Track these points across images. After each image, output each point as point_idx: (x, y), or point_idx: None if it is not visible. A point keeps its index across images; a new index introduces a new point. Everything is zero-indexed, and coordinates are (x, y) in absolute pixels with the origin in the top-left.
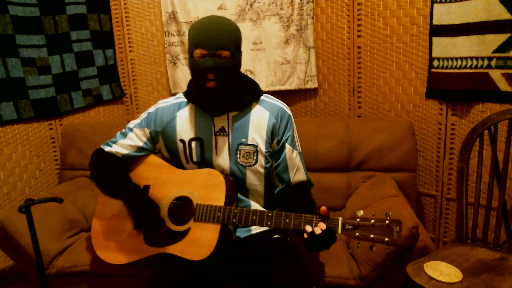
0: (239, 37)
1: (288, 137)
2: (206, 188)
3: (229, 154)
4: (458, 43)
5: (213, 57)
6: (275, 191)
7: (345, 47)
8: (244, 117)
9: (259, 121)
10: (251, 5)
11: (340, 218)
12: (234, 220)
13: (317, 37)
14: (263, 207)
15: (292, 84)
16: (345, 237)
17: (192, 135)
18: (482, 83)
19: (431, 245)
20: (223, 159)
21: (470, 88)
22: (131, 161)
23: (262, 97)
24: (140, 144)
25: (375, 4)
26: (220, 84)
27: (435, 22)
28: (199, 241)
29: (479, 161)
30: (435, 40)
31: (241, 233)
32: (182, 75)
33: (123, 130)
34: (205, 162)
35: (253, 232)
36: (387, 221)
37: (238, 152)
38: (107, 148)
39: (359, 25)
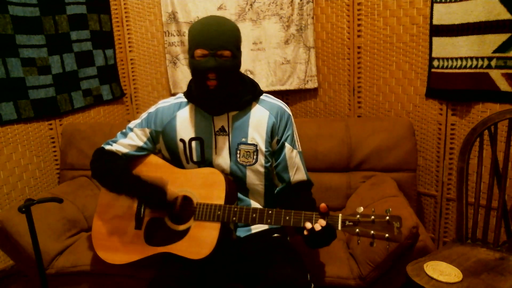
0: (239, 37)
1: (288, 136)
2: (206, 187)
3: (229, 153)
4: (458, 43)
5: (214, 57)
6: (275, 191)
7: (345, 47)
8: (244, 116)
9: (259, 120)
10: (251, 5)
11: (340, 214)
12: (234, 218)
13: (317, 37)
14: (263, 207)
15: (292, 84)
16: (345, 237)
17: (192, 135)
18: (482, 83)
19: (431, 245)
20: (223, 159)
21: (470, 88)
22: (131, 160)
23: (262, 97)
24: (140, 143)
25: (375, 4)
26: (220, 83)
27: (435, 22)
28: (200, 240)
29: (479, 161)
30: (435, 40)
31: (241, 232)
32: (182, 75)
33: (124, 130)
34: (205, 161)
35: (253, 231)
36: (387, 217)
37: (238, 152)
38: (107, 147)
39: (359, 25)
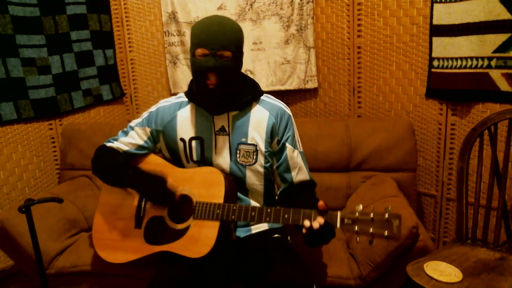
0: (241, 37)
1: (289, 137)
2: (206, 186)
3: (229, 153)
4: (458, 43)
5: (214, 57)
6: (278, 191)
7: (345, 47)
8: (244, 116)
9: (259, 120)
10: (251, 5)
11: (339, 212)
12: (233, 216)
13: (317, 37)
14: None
15: (292, 84)
16: (345, 237)
17: (192, 134)
18: (482, 83)
19: (431, 245)
20: (223, 159)
21: (470, 88)
22: (131, 159)
23: (262, 97)
24: (141, 142)
25: (375, 4)
26: (220, 83)
27: (435, 22)
28: (199, 239)
29: (479, 161)
30: (435, 40)
31: (241, 232)
32: (182, 75)
33: (125, 129)
34: (205, 161)
35: (253, 231)
36: (387, 215)
37: (238, 152)
38: (108, 144)
39: (359, 25)
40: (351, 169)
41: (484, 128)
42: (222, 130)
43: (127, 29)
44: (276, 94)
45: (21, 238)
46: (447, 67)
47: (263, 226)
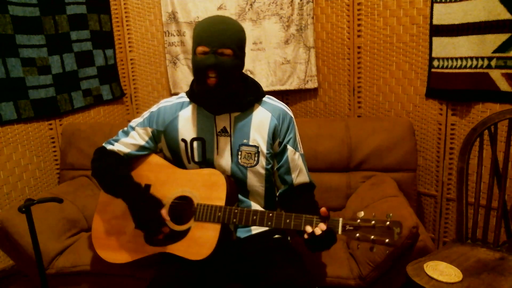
0: (243, 37)
1: (290, 139)
2: (207, 188)
3: (231, 154)
4: (458, 43)
5: (214, 54)
6: (278, 193)
7: (345, 47)
8: (246, 118)
9: (261, 122)
10: (251, 5)
11: (341, 219)
12: (234, 220)
13: (317, 37)
14: (264, 208)
15: (292, 84)
16: (345, 237)
17: (194, 135)
18: (482, 83)
19: (431, 245)
20: (225, 160)
21: (470, 88)
22: (132, 160)
23: (264, 99)
24: (142, 143)
25: (375, 4)
26: (220, 82)
27: (435, 22)
28: (200, 241)
29: (479, 161)
30: (435, 40)
31: (241, 233)
32: (182, 75)
33: (125, 129)
34: (206, 162)
35: (254, 232)
36: (388, 222)
37: (240, 153)
38: (109, 147)
39: (359, 25)
40: (351, 169)
41: (484, 128)
42: (224, 131)
43: (127, 29)
44: (276, 94)
45: (21, 238)
46: (447, 67)
47: (263, 227)
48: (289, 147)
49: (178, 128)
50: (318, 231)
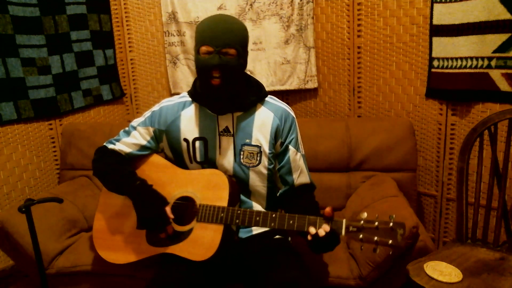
0: (246, 36)
1: (292, 139)
2: (209, 188)
3: (233, 154)
4: (458, 43)
5: (219, 54)
6: (278, 193)
7: (345, 47)
8: (248, 117)
9: (263, 122)
10: (251, 5)
11: (344, 220)
12: (237, 221)
13: (317, 37)
14: (265, 209)
15: (292, 84)
16: (345, 237)
17: (196, 135)
18: (482, 83)
19: (431, 245)
20: (227, 159)
21: (470, 88)
22: (134, 160)
23: (266, 99)
24: (144, 142)
25: (375, 4)
26: (224, 82)
27: (435, 22)
28: (202, 242)
29: (479, 161)
30: (435, 40)
31: (242, 233)
32: (182, 75)
33: (127, 129)
34: (208, 162)
35: (254, 232)
36: (391, 224)
37: (242, 153)
38: (110, 146)
39: (359, 25)
40: (351, 169)
41: (484, 128)
42: (226, 130)
43: (127, 29)
44: (276, 94)
45: (21, 238)
46: (447, 67)
47: (264, 227)
48: (290, 147)
49: (180, 127)
50: (321, 232)
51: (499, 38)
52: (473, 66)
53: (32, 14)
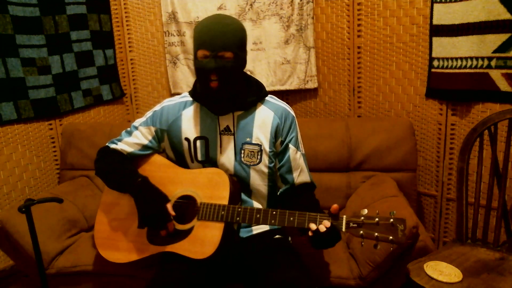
0: (243, 37)
1: (292, 138)
2: (210, 187)
3: (234, 153)
4: (458, 43)
5: (215, 58)
6: (279, 192)
7: (345, 47)
8: (249, 116)
9: (263, 120)
10: (251, 5)
11: (345, 216)
12: (238, 218)
13: (317, 37)
14: None
15: (292, 84)
16: (345, 237)
17: (197, 134)
18: (482, 83)
19: (431, 245)
20: (228, 158)
21: (470, 88)
22: (135, 159)
23: (267, 98)
24: (145, 142)
25: (375, 4)
26: (222, 84)
27: (435, 22)
28: (203, 240)
29: (479, 161)
30: (435, 40)
31: (243, 233)
32: (182, 75)
33: (128, 129)
34: (209, 161)
35: (254, 232)
36: (391, 220)
37: (242, 151)
38: (112, 146)
39: (359, 25)
40: (351, 169)
41: (484, 128)
42: (227, 129)
43: (127, 29)
44: (276, 94)
45: (21, 238)
46: (447, 67)
47: (264, 227)
48: (290, 146)
49: (181, 127)
50: (322, 228)
51: (499, 38)
52: (473, 66)
53: (32, 14)
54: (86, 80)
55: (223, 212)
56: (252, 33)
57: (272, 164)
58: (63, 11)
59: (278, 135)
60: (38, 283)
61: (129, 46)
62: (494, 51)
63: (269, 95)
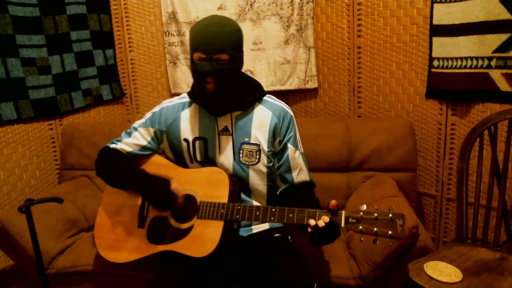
0: (239, 38)
1: (290, 137)
2: (210, 186)
3: (233, 153)
4: (458, 43)
5: (210, 61)
6: (278, 191)
7: (345, 47)
8: (247, 116)
9: (261, 120)
10: (251, 5)
11: (343, 211)
12: (237, 216)
13: (317, 37)
14: None
15: (292, 84)
16: (345, 237)
17: (196, 135)
18: (482, 83)
19: (431, 245)
20: (227, 158)
21: (470, 88)
22: (135, 160)
23: (264, 98)
24: (144, 143)
25: (375, 4)
26: (219, 86)
27: (435, 22)
28: (203, 238)
29: (479, 161)
30: (435, 40)
31: (242, 232)
32: (182, 75)
33: (128, 130)
34: (209, 161)
35: (254, 231)
36: (390, 215)
37: (241, 151)
38: (112, 145)
39: (359, 25)
40: (351, 169)
41: (484, 128)
42: (225, 130)
43: (127, 29)
44: (276, 94)
45: (21, 238)
46: (447, 67)
47: (264, 226)
48: (289, 145)
49: (180, 128)
50: (321, 223)
51: (499, 38)
52: (473, 66)
53: (32, 14)
54: (86, 80)
55: (222, 211)
56: (252, 33)
57: (271, 164)
58: (63, 11)
59: (276, 135)
60: (38, 283)
61: (129, 46)
62: (494, 51)
63: (267, 95)
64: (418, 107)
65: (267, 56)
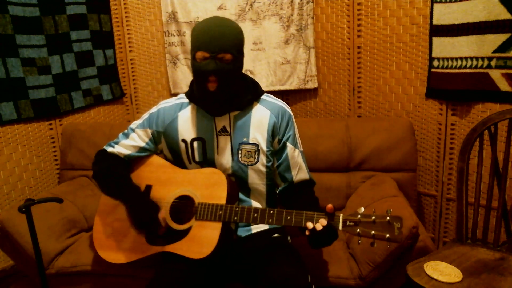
0: (241, 39)
1: (290, 136)
2: (208, 187)
3: (231, 153)
4: (458, 43)
5: (214, 60)
6: (278, 190)
7: (345, 47)
8: (245, 116)
9: (260, 120)
10: (251, 5)
11: (341, 214)
12: (235, 218)
13: (317, 37)
14: (265, 207)
15: (292, 84)
16: (345, 237)
17: (194, 135)
18: (482, 83)
19: (431, 245)
20: (225, 159)
21: (470, 88)
22: (133, 161)
23: (263, 97)
24: (142, 144)
25: (375, 4)
26: (221, 86)
27: (435, 22)
28: (201, 239)
29: (479, 161)
30: (435, 40)
31: (241, 232)
32: (182, 75)
33: (125, 131)
34: (207, 161)
35: (253, 231)
36: (388, 218)
37: (240, 151)
38: (109, 149)
39: (359, 25)
40: (351, 169)
41: (484, 128)
42: (224, 130)
43: (127, 29)
44: (276, 94)
45: (21, 238)
46: (447, 67)
47: (263, 226)
48: (288, 144)
49: (178, 128)
50: (319, 226)
51: (499, 38)
52: (473, 66)
53: (32, 14)
54: (86, 80)
55: (220, 212)
56: (252, 33)
57: (270, 163)
58: (63, 11)
59: (275, 134)
60: (38, 283)
61: (129, 46)
62: (494, 51)
63: (265, 94)
64: (418, 107)
65: (267, 56)
